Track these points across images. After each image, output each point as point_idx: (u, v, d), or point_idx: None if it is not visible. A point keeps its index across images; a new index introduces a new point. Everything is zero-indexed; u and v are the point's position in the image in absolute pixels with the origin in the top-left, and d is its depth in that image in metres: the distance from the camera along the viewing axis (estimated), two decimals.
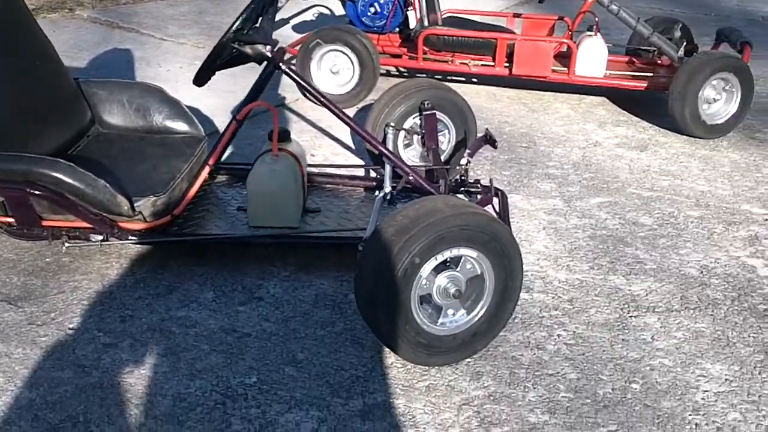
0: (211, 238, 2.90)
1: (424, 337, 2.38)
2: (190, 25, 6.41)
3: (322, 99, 2.97)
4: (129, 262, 2.96)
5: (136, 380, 2.34)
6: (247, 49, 2.84)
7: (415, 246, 2.28)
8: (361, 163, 3.94)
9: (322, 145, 4.25)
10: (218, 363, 2.43)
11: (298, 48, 4.90)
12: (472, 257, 2.38)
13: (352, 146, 4.23)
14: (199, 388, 2.32)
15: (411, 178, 2.99)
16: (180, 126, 3.35)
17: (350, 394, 2.32)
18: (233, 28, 2.77)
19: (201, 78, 2.85)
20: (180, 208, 2.89)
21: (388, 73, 5.50)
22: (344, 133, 4.38)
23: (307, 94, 4.81)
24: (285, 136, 3.07)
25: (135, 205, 2.75)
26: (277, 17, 6.22)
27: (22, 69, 2.97)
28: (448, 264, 2.40)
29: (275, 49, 2.89)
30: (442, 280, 2.39)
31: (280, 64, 2.91)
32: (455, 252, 2.35)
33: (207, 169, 2.96)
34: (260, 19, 2.89)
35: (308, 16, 6.70)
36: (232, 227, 2.95)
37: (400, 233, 2.30)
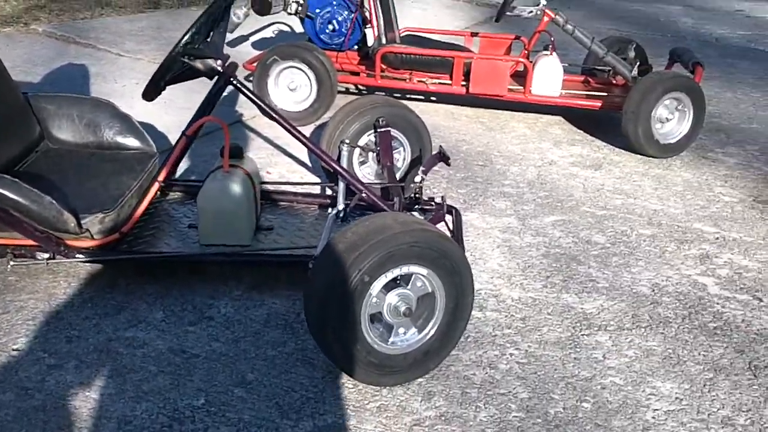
0: (161, 256, 2.84)
1: (375, 357, 2.36)
2: (147, 41, 6.34)
3: (274, 115, 2.95)
4: (77, 281, 2.90)
5: (81, 403, 2.28)
6: (198, 64, 2.81)
7: (365, 263, 2.26)
8: (317, 180, 3.92)
9: (278, 162, 4.22)
10: (165, 385, 2.38)
11: (255, 65, 4.87)
12: (422, 275, 2.37)
13: (309, 164, 4.21)
14: (146, 411, 2.26)
15: (364, 195, 2.98)
16: (131, 142, 3.30)
17: (300, 416, 2.28)
18: (182, 41, 2.73)
19: (150, 92, 2.81)
20: (129, 225, 2.84)
21: (347, 91, 5.49)
22: (301, 150, 4.36)
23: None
24: (237, 152, 3.04)
25: (82, 222, 2.70)
26: (236, 33, 6.21)
27: None
28: (398, 282, 2.38)
29: (226, 64, 2.87)
30: (392, 298, 2.37)
31: (231, 78, 2.88)
32: (405, 269, 2.33)
33: (156, 186, 2.91)
34: (211, 33, 2.86)
35: (268, 33, 6.68)
36: (183, 245, 2.91)
37: (349, 250, 2.28)
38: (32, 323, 2.64)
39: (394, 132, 3.58)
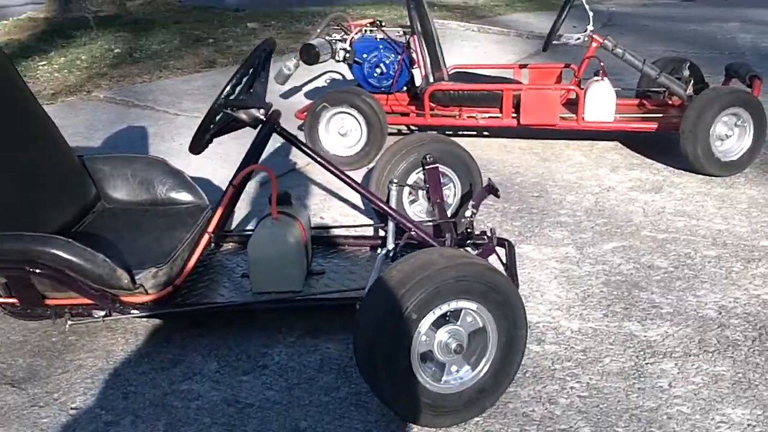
0: (214, 307, 2.87)
1: (428, 397, 2.31)
2: (203, 99, 6.50)
3: (318, 158, 2.97)
4: (135, 337, 2.94)
5: None
6: (241, 114, 2.86)
7: (412, 300, 2.23)
8: (369, 222, 3.92)
9: (330, 207, 4.24)
10: None
11: (305, 113, 4.94)
12: (471, 309, 2.32)
13: (362, 207, 4.21)
14: None
15: (413, 233, 2.96)
16: (184, 196, 3.36)
17: None
18: (224, 93, 2.79)
19: (195, 146, 2.86)
20: (181, 278, 2.88)
21: (399, 132, 5.51)
22: (353, 195, 4.37)
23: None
24: (286, 199, 3.07)
25: (136, 277, 2.75)
26: (289, 85, 6.32)
27: (24, 149, 3.01)
28: (447, 318, 2.34)
29: (269, 112, 2.91)
30: (442, 335, 2.33)
31: (275, 126, 2.92)
32: (454, 305, 2.29)
33: (206, 237, 2.94)
34: (253, 83, 2.91)
35: (320, 82, 6.78)
36: (235, 295, 2.93)
37: (396, 288, 2.26)
38: (90, 381, 2.68)
39: (442, 168, 3.56)
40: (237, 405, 2.52)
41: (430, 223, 3.34)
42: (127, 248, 2.96)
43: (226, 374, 2.69)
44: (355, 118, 4.81)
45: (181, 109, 6.23)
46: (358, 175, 4.59)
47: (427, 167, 3.49)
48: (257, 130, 3.00)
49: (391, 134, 5.01)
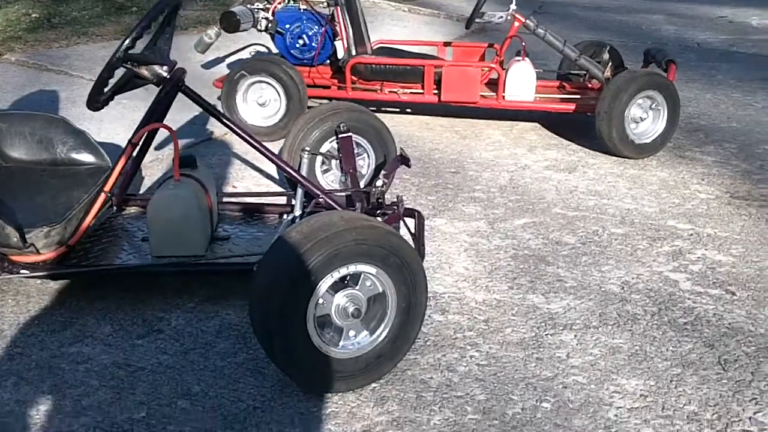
0: (109, 269, 2.76)
1: (325, 362, 2.26)
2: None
3: (228, 123, 2.87)
4: (26, 298, 2.81)
5: (15, 420, 2.19)
6: (143, 70, 2.74)
7: (309, 263, 2.17)
8: (280, 190, 3.84)
9: (245, 176, 4.15)
10: (106, 399, 2.28)
11: (223, 82, 4.82)
12: (371, 274, 2.28)
13: (277, 177, 4.14)
14: (83, 425, 2.17)
15: (321, 200, 2.90)
16: (85, 157, 3.23)
17: (244, 426, 2.19)
18: (123, 46, 2.66)
19: (93, 100, 2.74)
20: (76, 238, 2.76)
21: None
22: (270, 165, 4.28)
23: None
24: (190, 161, 2.97)
25: (26, 236, 2.62)
26: (212, 55, 6.16)
27: None
28: (346, 282, 2.29)
29: (173, 70, 2.80)
30: (340, 299, 2.28)
31: (180, 84, 2.81)
32: (352, 268, 2.24)
33: (103, 196, 2.82)
34: (157, 39, 2.80)
35: (244, 54, 6.63)
36: (134, 258, 2.83)
37: (293, 250, 2.20)
38: None
39: (356, 138, 3.51)
40: (128, 368, 2.43)
41: (342, 193, 3.29)
42: (20, 207, 2.82)
43: (119, 338, 2.59)
44: (274, 88, 4.71)
45: (96, 74, 6.00)
46: (275, 147, 4.50)
47: (340, 136, 3.44)
48: (160, 88, 2.88)
49: (311, 108, 4.92)
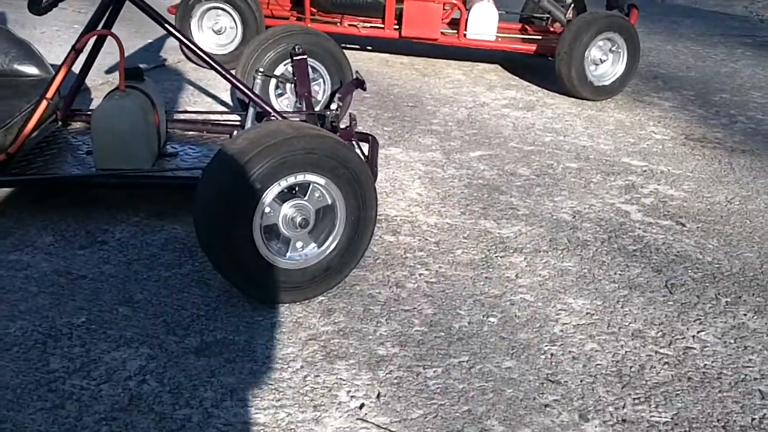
0: (51, 179, 2.67)
1: (271, 272, 2.22)
2: None
3: (173, 31, 2.76)
4: None
5: None
6: None
7: (256, 170, 2.11)
8: (229, 110, 3.75)
9: (198, 102, 4.05)
10: (45, 304, 2.22)
11: (177, 7, 4.67)
12: (320, 185, 2.23)
13: (230, 103, 4.04)
14: (20, 329, 2.10)
15: (273, 118, 2.83)
16: (28, 68, 3.12)
17: (187, 332, 2.14)
18: None
19: (35, 3, 2.62)
20: (15, 145, 2.65)
21: None
22: (223, 91, 4.20)
23: (187, 51, 4.60)
24: (137, 73, 2.88)
25: None
26: None
27: None
28: (294, 192, 2.24)
29: None
30: (288, 209, 2.23)
31: None
32: (300, 178, 2.19)
33: (44, 104, 2.71)
34: None
35: None
36: (78, 170, 2.74)
37: (239, 155, 2.13)
38: None
39: (312, 62, 3.43)
40: (68, 276, 2.36)
41: (294, 115, 3.22)
42: None
43: (61, 248, 2.52)
44: (231, 14, 4.59)
45: None
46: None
47: (295, 58, 3.36)
48: None
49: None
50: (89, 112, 3.11)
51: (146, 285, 2.35)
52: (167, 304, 2.27)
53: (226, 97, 4.12)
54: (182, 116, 3.26)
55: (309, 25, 4.83)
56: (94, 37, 2.76)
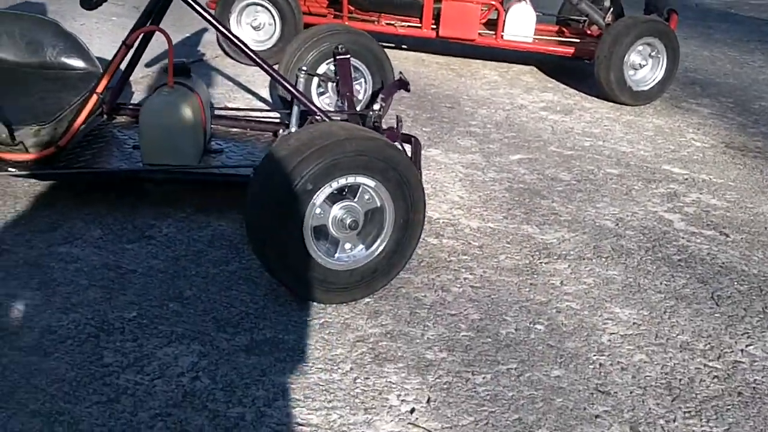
0: (99, 172, 2.70)
1: (320, 272, 2.23)
2: None
3: (218, 25, 2.76)
4: (13, 200, 2.75)
5: (3, 312, 2.14)
6: None
7: (308, 170, 2.12)
8: (274, 109, 3.76)
9: (237, 98, 4.07)
10: (96, 298, 2.24)
11: (216, 3, 4.69)
12: (370, 186, 2.24)
13: (269, 99, 4.06)
14: (72, 321, 2.13)
15: (318, 117, 2.84)
16: (76, 62, 3.14)
17: (237, 330, 2.16)
18: None
19: (88, 0, 2.65)
20: (66, 139, 2.68)
21: None
22: (262, 87, 4.21)
23: (226, 47, 4.62)
24: (184, 70, 2.89)
25: (15, 133, 2.55)
26: None
27: None
28: (344, 193, 2.25)
29: None
30: (337, 210, 2.24)
31: None
32: (351, 180, 2.20)
33: (95, 98, 2.74)
34: None
35: None
36: (125, 164, 2.76)
37: (291, 156, 2.15)
38: None
39: (354, 61, 3.44)
40: (118, 270, 2.38)
41: (337, 114, 3.23)
42: (8, 106, 2.73)
43: (109, 241, 2.54)
44: (270, 11, 4.60)
45: None
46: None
47: (338, 58, 3.36)
48: None
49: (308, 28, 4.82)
50: (134, 106, 3.14)
51: (194, 281, 2.37)
52: (216, 301, 2.28)
53: (265, 93, 4.14)
54: (225, 113, 3.26)
55: (347, 23, 4.83)
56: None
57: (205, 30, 5.12)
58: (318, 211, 2.20)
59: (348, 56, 3.35)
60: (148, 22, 2.76)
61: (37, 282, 2.29)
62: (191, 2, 2.72)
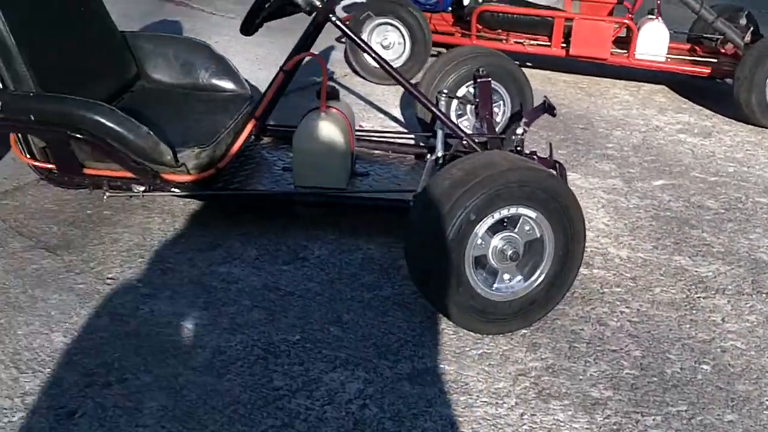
0: (257, 194, 2.77)
1: (478, 302, 2.23)
2: (239, 1, 6.31)
3: (372, 54, 2.82)
4: (171, 217, 2.86)
5: (174, 331, 2.22)
6: None
7: (472, 201, 2.13)
8: (411, 132, 3.78)
9: (370, 117, 4.11)
10: (260, 319, 2.30)
11: (348, 23, 4.76)
12: (530, 217, 2.22)
13: (402, 119, 4.09)
14: (240, 342, 2.19)
15: (465, 142, 2.84)
16: (226, 84, 3.23)
17: (398, 358, 2.17)
18: None
19: (248, 26, 2.75)
20: (224, 161, 2.77)
21: (438, 54, 5.33)
22: (393, 106, 4.25)
23: (355, 65, 4.68)
24: (334, 94, 2.95)
25: (178, 155, 2.64)
26: None
27: (71, 16, 2.89)
28: (505, 224, 2.24)
29: (327, 0, 2.76)
30: (498, 241, 2.23)
31: (330, 15, 2.78)
32: (513, 210, 2.19)
33: (253, 123, 2.83)
34: None
35: None
36: (277, 186, 2.83)
37: (455, 186, 2.16)
38: (126, 255, 2.60)
39: (493, 84, 3.42)
40: (278, 292, 2.44)
41: (478, 137, 3.22)
42: (168, 126, 2.84)
43: (266, 262, 2.61)
44: (400, 30, 4.64)
45: (216, 9, 6.07)
46: (397, 90, 4.46)
47: (479, 80, 3.36)
48: (312, 17, 2.85)
49: (449, 50, 4.83)
50: (285, 128, 3.20)
51: (351, 305, 2.40)
52: (374, 326, 2.31)
53: (396, 112, 4.17)
54: (366, 135, 3.30)
55: (474, 41, 4.83)
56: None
57: (332, 48, 5.21)
58: (479, 241, 2.20)
59: (489, 79, 3.35)
60: (303, 47, 2.83)
61: (203, 301, 2.37)
62: (341, 26, 2.78)
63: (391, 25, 4.65)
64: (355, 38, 2.84)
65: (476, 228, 2.17)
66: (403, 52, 4.67)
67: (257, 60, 4.80)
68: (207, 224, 2.83)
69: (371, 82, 4.58)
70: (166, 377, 2.04)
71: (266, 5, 2.72)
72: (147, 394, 1.98)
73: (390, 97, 4.40)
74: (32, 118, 2.55)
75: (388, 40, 4.68)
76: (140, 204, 2.90)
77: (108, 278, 2.46)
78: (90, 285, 2.41)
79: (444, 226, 2.14)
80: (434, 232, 2.16)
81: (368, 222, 2.89)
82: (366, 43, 2.87)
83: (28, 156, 2.70)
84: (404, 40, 4.65)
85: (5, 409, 1.90)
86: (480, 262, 2.25)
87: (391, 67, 2.83)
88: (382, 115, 4.15)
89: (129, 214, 2.85)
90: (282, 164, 3.00)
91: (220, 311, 2.32)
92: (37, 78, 2.59)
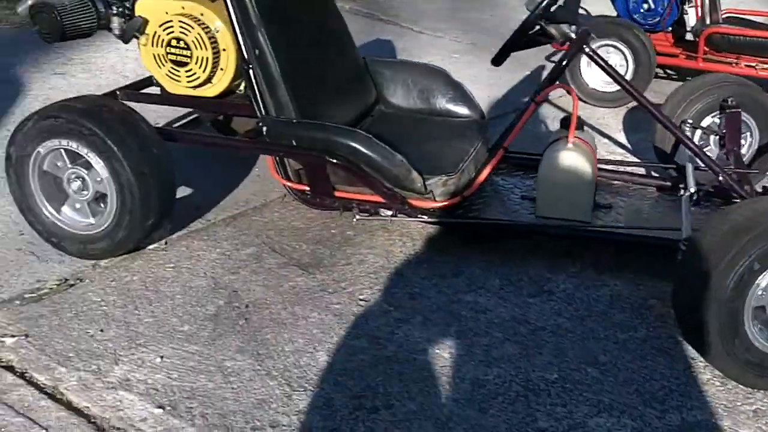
0: (498, 224, 2.77)
1: (755, 355, 2.11)
2: (445, 20, 6.39)
3: (628, 87, 2.76)
4: (411, 241, 2.91)
5: (431, 360, 2.25)
6: (551, 29, 2.70)
7: (756, 249, 2.01)
8: (645, 161, 3.64)
9: (597, 143, 4.00)
10: (514, 354, 2.29)
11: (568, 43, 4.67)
12: None
13: (628, 145, 3.97)
14: (498, 377, 2.19)
15: (721, 179, 2.70)
16: (462, 109, 3.25)
17: (665, 407, 2.08)
18: (542, 4, 2.64)
19: (501, 58, 2.76)
20: (470, 190, 2.79)
21: (655, 76, 5.13)
22: (617, 131, 4.14)
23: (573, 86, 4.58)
24: (579, 124, 2.89)
25: (427, 183, 2.68)
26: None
27: (321, 42, 3.02)
28: None
29: (579, 30, 2.72)
30: None
31: (584, 46, 2.74)
32: None
33: (501, 152, 2.82)
34: None
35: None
36: (517, 215, 2.81)
37: (737, 233, 2.05)
38: (374, 277, 2.67)
39: (743, 116, 3.23)
40: (528, 325, 2.42)
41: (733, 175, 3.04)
42: (413, 153, 2.88)
43: (511, 293, 2.59)
44: (623, 52, 4.49)
45: (425, 27, 6.16)
46: (617, 114, 4.34)
47: (727, 111, 3.18)
48: (566, 48, 2.82)
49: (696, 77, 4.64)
50: (525, 157, 3.15)
51: (606, 346, 2.34)
52: (634, 370, 2.23)
53: (621, 138, 4.06)
54: (605, 164, 3.21)
55: (700, 64, 4.61)
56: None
57: (542, 68, 5.14)
58: (761, 292, 2.07)
59: (738, 110, 3.16)
60: (554, 78, 2.81)
61: (454, 330, 2.39)
62: (597, 59, 2.73)
63: (614, 47, 4.52)
64: (608, 70, 2.79)
65: (758, 278, 2.05)
66: (626, 73, 4.51)
67: (470, 80, 4.80)
68: (446, 250, 2.85)
69: (588, 103, 4.48)
70: (431, 407, 2.06)
71: (522, 39, 2.72)
72: (415, 423, 2.01)
73: (611, 120, 4.28)
74: (294, 143, 2.68)
75: (610, 62, 4.52)
76: (380, 225, 2.97)
77: (360, 299, 2.53)
78: (344, 305, 2.49)
79: (722, 275, 2.03)
80: (711, 281, 2.06)
81: (610, 256, 2.81)
82: (620, 74, 2.80)
83: (284, 177, 2.83)
84: (626, 62, 4.50)
85: (284, 425, 1.99)
86: (758, 313, 2.12)
87: (646, 99, 2.74)
88: (606, 141, 4.04)
89: (371, 235, 2.93)
90: (520, 192, 2.97)
91: (473, 341, 2.33)
92: (298, 105, 2.72)
